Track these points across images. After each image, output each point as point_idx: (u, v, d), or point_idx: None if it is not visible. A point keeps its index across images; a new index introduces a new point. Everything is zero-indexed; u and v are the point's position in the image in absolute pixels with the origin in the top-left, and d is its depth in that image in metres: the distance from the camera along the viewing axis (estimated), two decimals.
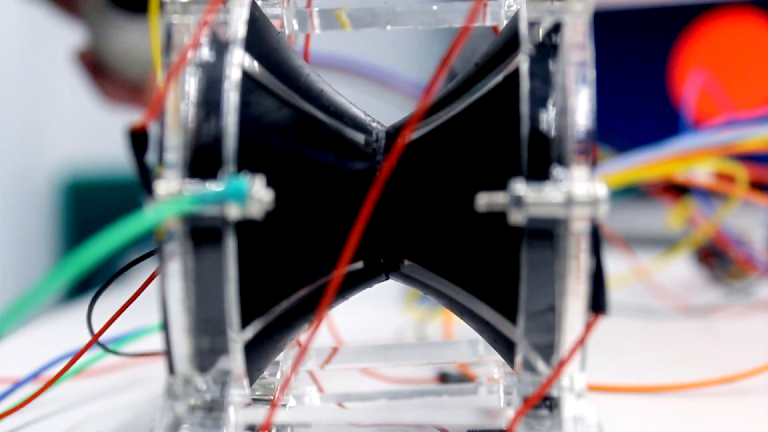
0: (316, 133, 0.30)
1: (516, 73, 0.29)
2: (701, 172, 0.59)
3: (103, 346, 0.37)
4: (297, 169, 0.29)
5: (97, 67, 0.68)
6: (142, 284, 0.32)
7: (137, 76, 0.66)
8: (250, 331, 0.29)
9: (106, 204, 1.19)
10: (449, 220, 0.30)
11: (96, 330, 0.33)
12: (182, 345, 0.28)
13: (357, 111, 0.32)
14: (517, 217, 0.26)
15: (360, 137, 0.31)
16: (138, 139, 0.26)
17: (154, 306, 0.28)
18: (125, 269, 0.33)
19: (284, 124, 0.30)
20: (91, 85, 0.69)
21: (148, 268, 0.32)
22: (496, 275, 0.29)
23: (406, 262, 0.31)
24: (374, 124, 0.32)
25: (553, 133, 0.27)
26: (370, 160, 0.31)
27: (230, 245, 0.27)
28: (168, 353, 0.28)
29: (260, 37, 0.30)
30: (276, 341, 0.31)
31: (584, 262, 0.26)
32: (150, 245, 0.28)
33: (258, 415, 0.29)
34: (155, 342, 0.33)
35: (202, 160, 0.27)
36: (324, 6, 0.34)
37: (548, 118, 0.27)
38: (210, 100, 0.28)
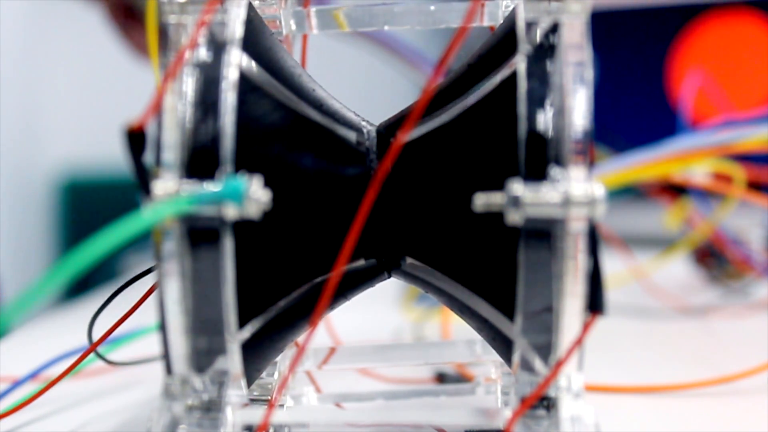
0: (311, 133, 0.30)
1: (513, 73, 0.29)
2: (699, 173, 0.59)
3: (100, 356, 0.37)
4: (294, 169, 0.29)
5: (127, 19, 0.69)
6: (140, 299, 0.32)
7: None
8: (248, 332, 0.29)
9: (104, 204, 1.19)
10: (448, 220, 0.30)
11: (95, 338, 0.33)
12: (180, 345, 0.28)
13: (346, 111, 0.32)
14: (514, 218, 0.26)
15: (351, 135, 0.31)
16: (135, 139, 0.26)
17: (151, 306, 0.28)
18: (128, 284, 0.33)
19: (281, 124, 0.30)
20: (123, 41, 0.70)
21: (147, 275, 0.32)
22: (496, 274, 0.29)
23: (408, 260, 0.31)
24: (364, 123, 0.32)
25: (550, 133, 0.27)
26: (363, 158, 0.31)
27: (227, 245, 0.27)
28: (165, 353, 0.28)
29: (255, 38, 0.30)
30: (275, 342, 0.31)
31: (582, 262, 0.26)
32: (148, 246, 0.28)
33: (255, 415, 0.29)
34: (153, 342, 0.33)
35: (200, 161, 0.27)
36: (321, 6, 0.34)
37: (546, 118, 0.27)
38: (207, 101, 0.28)
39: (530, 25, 0.29)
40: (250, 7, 0.31)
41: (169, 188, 0.26)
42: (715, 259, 0.67)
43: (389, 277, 0.32)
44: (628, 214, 0.86)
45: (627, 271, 0.67)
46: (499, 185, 0.27)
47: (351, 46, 0.59)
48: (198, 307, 0.27)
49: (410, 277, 0.32)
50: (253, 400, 0.33)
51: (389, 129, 0.31)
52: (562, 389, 0.28)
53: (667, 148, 0.55)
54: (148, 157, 0.27)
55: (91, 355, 0.37)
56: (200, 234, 0.27)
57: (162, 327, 0.27)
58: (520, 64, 0.28)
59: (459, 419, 0.30)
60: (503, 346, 0.30)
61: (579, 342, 0.27)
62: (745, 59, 1.05)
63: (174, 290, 0.27)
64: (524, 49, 0.28)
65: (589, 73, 0.27)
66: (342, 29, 0.34)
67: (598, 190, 0.26)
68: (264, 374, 0.34)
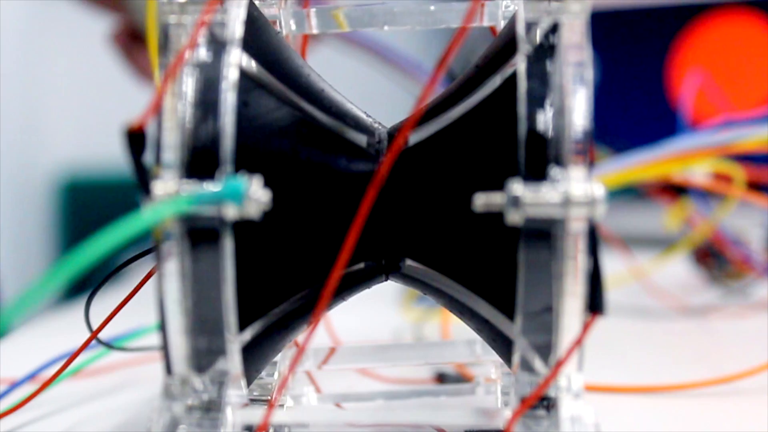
0: (315, 134, 0.30)
1: (514, 73, 0.29)
2: (699, 173, 0.59)
3: (102, 342, 0.37)
4: (296, 170, 0.29)
5: (132, 42, 0.69)
6: (140, 282, 0.32)
7: None
8: (248, 332, 0.29)
9: (104, 204, 1.19)
10: (449, 220, 0.30)
11: (94, 327, 0.33)
12: (180, 345, 0.28)
13: (359, 112, 0.32)
14: (514, 218, 0.26)
15: (362, 138, 0.31)
16: (135, 139, 0.26)
17: (151, 306, 0.28)
18: (123, 266, 0.33)
19: (283, 124, 0.30)
20: (127, 64, 0.70)
21: (145, 266, 0.32)
22: (496, 274, 0.29)
23: (407, 262, 0.31)
24: (376, 125, 0.32)
25: (550, 133, 0.27)
26: (372, 161, 0.30)
27: (227, 246, 0.27)
28: (165, 354, 0.28)
29: (259, 37, 0.30)
30: (274, 342, 0.31)
31: (582, 262, 0.26)
32: (147, 245, 0.28)
33: (255, 415, 0.29)
34: (153, 342, 0.33)
35: (200, 161, 0.27)
36: (321, 6, 0.34)
37: (545, 118, 0.27)
38: (207, 101, 0.28)
39: (530, 26, 0.29)
40: (255, 7, 0.31)
41: (169, 188, 0.26)
42: (715, 259, 0.67)
43: (387, 279, 0.32)
44: (628, 214, 0.86)
45: (627, 271, 0.67)
46: (499, 185, 0.27)
47: (347, 56, 0.59)
48: (198, 308, 0.27)
49: (408, 279, 0.32)
50: (253, 400, 0.33)
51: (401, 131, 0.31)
52: (562, 389, 0.28)
53: (667, 148, 0.55)
54: (148, 157, 0.27)
55: (91, 354, 0.37)
56: (200, 234, 0.27)
57: (162, 327, 0.27)
58: (520, 64, 0.28)
59: (459, 419, 0.30)
60: (503, 346, 0.30)
61: (579, 342, 0.27)
62: (745, 59, 1.04)
63: (174, 290, 0.27)
64: (524, 49, 0.28)
65: (589, 73, 0.27)
66: (342, 29, 0.34)
67: (598, 190, 0.26)
68: (264, 374, 0.34)
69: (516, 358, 0.29)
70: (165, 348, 0.28)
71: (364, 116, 0.32)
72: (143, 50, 0.69)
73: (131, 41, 0.69)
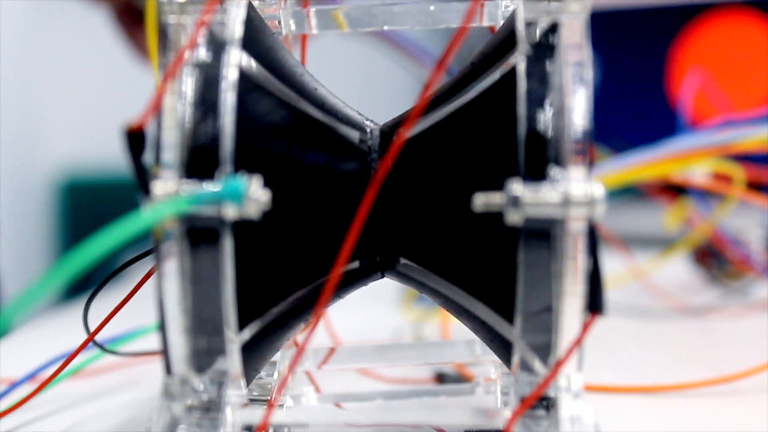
0: (312, 132, 0.30)
1: (513, 73, 0.29)
2: (698, 173, 0.59)
3: (99, 345, 0.37)
4: (294, 169, 0.29)
5: (133, 21, 0.69)
6: (138, 283, 0.32)
7: None
8: (247, 332, 0.29)
9: (103, 204, 1.19)
10: (446, 220, 0.30)
11: (93, 327, 0.33)
12: (179, 345, 0.28)
13: (349, 110, 0.32)
14: (514, 218, 0.26)
15: (354, 135, 0.31)
16: (135, 139, 0.26)
17: (151, 306, 0.28)
18: (122, 269, 0.33)
19: (281, 123, 0.30)
20: (129, 42, 0.70)
21: (143, 267, 0.32)
22: (494, 275, 0.29)
23: (402, 261, 0.31)
24: (368, 122, 0.32)
25: (550, 133, 0.27)
26: (365, 158, 0.31)
27: (227, 245, 0.27)
28: (165, 353, 0.28)
29: (256, 37, 0.30)
30: (273, 341, 0.31)
31: (581, 262, 0.26)
32: (146, 245, 0.28)
33: (255, 415, 0.29)
34: (152, 342, 0.33)
35: (199, 161, 0.27)
36: (321, 6, 0.34)
37: (545, 118, 0.27)
38: (207, 101, 0.28)
39: (530, 25, 0.29)
40: (251, 7, 0.31)
41: (169, 188, 0.26)
42: (714, 259, 0.67)
43: (383, 277, 0.32)
44: (628, 214, 0.86)
45: (627, 271, 0.67)
46: (498, 185, 0.27)
47: (355, 41, 0.59)
48: (197, 307, 0.27)
49: (404, 277, 0.32)
50: (252, 400, 0.33)
51: (393, 128, 0.31)
52: (562, 389, 0.28)
53: (666, 148, 0.55)
54: (148, 157, 0.27)
55: (91, 354, 0.37)
56: (200, 234, 0.27)
57: (161, 327, 0.27)
58: (519, 63, 0.28)
59: (459, 419, 0.30)
60: (501, 347, 0.30)
61: (578, 342, 0.27)
62: (745, 59, 1.04)
63: (174, 290, 0.27)
64: (524, 49, 0.28)
65: (589, 73, 0.27)
66: (341, 29, 0.34)
67: (598, 190, 0.26)
68: (263, 374, 0.34)
69: (515, 358, 0.29)
70: (165, 348, 0.28)
71: (356, 114, 0.32)
72: (144, 28, 0.68)
73: (131, 19, 0.69)
